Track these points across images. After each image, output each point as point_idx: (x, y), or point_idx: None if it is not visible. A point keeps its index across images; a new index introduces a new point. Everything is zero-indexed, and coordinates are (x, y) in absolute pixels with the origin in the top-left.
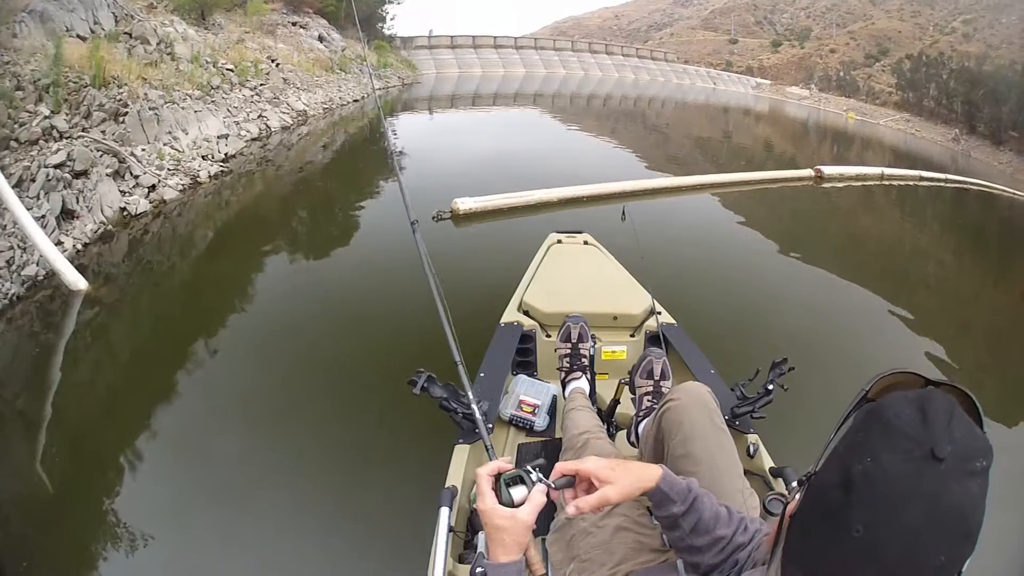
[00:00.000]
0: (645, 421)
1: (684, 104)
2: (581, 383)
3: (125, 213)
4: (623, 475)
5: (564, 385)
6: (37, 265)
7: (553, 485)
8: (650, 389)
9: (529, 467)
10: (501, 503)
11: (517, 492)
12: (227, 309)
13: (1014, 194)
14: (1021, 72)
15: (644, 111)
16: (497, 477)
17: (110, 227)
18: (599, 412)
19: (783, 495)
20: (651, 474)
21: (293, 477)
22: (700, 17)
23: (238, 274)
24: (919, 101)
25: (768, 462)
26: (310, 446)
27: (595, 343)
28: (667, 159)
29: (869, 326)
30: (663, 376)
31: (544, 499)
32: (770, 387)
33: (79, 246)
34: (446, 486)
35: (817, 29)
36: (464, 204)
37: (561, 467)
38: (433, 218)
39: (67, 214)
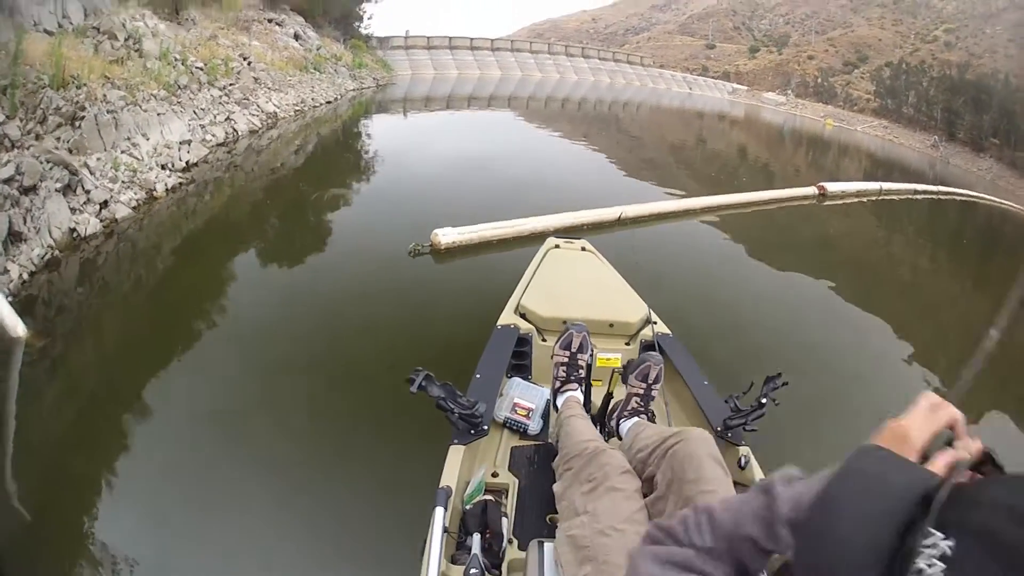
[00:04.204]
0: (631, 420)
1: (659, 108)
2: (576, 394)
3: (75, 235)
4: None
5: (556, 394)
6: None
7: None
8: (641, 391)
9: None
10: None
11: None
12: (195, 326)
13: (1001, 204)
14: (1004, 81)
15: (619, 115)
16: (937, 435)
17: (57, 252)
18: (591, 417)
19: None
20: None
21: (283, 481)
22: (678, 22)
23: (204, 290)
24: (898, 108)
25: (758, 474)
26: (299, 450)
27: (592, 351)
28: (642, 162)
29: (866, 343)
30: (656, 380)
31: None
32: (763, 401)
33: (25, 275)
34: (440, 486)
35: (796, 36)
36: (446, 237)
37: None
38: (409, 253)
39: (14, 237)
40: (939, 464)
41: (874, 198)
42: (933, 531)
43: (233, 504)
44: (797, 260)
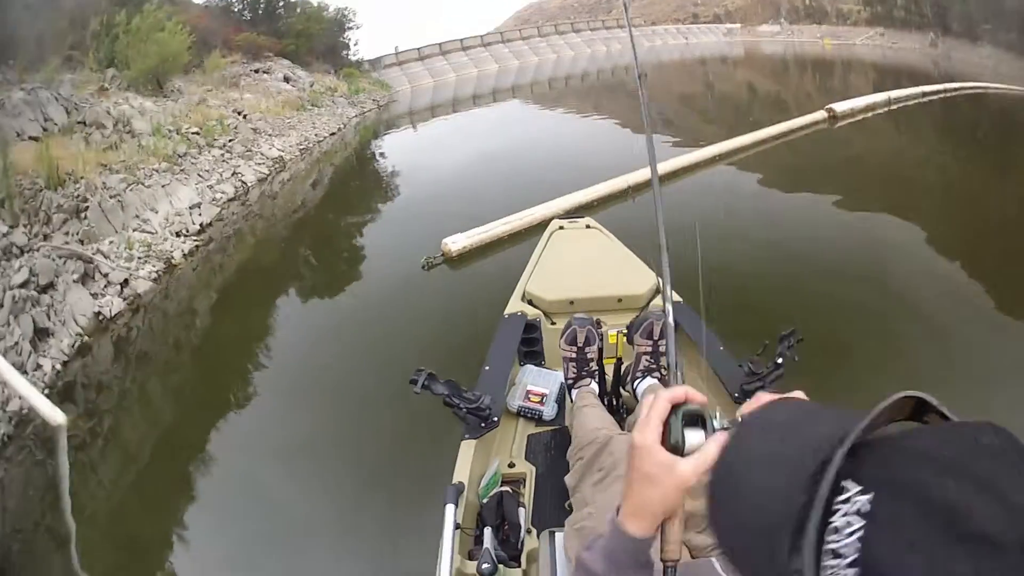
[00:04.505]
0: (646, 380)
1: (660, 64)
2: (591, 386)
3: (101, 318)
4: None
5: (570, 389)
6: (20, 399)
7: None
8: (649, 349)
9: (716, 412)
10: (667, 445)
11: (693, 436)
12: (230, 374)
13: (1010, 90)
14: None
15: (622, 79)
16: (675, 409)
17: (87, 337)
18: (605, 385)
19: None
20: None
21: (302, 479)
22: None
23: (234, 339)
24: (889, 13)
25: None
26: (318, 452)
27: (601, 332)
28: (655, 119)
29: (895, 271)
30: (661, 336)
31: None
32: (779, 360)
33: (58, 366)
34: (452, 482)
35: None
36: (456, 243)
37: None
38: (423, 267)
39: (40, 333)
40: (710, 447)
41: (884, 109)
42: (848, 485)
43: (256, 501)
44: (816, 194)
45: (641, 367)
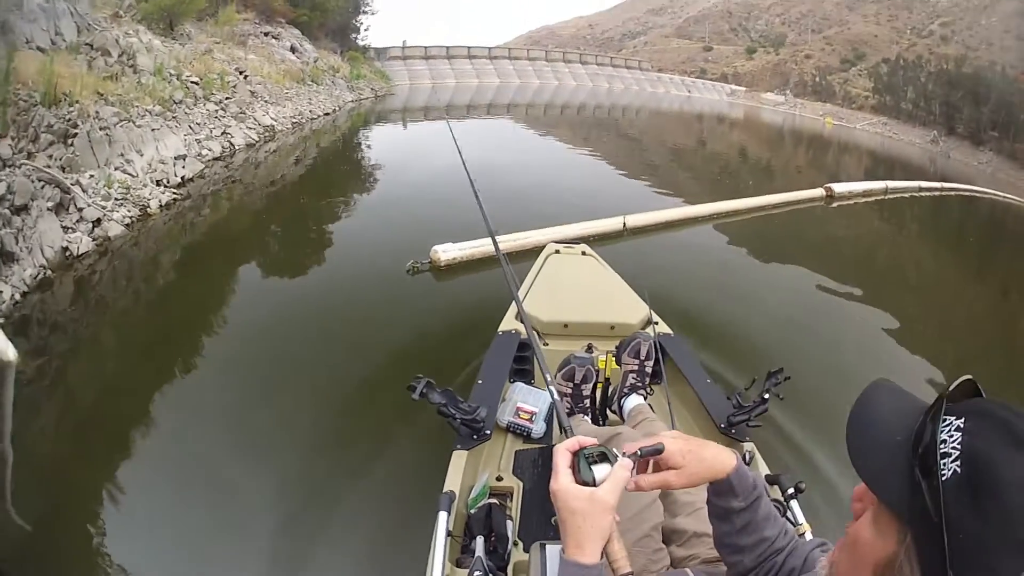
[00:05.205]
0: (632, 398)
1: (659, 112)
2: (585, 420)
3: (67, 254)
4: (693, 463)
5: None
6: None
7: (639, 453)
8: (635, 368)
9: (613, 448)
10: (580, 483)
11: (599, 470)
12: (190, 343)
13: (1004, 198)
14: (1001, 73)
15: (619, 120)
16: (576, 455)
17: (50, 272)
18: (595, 416)
19: (779, 501)
20: (723, 464)
21: (287, 490)
22: (674, 25)
23: (198, 307)
24: (896, 104)
25: (764, 469)
26: (303, 461)
27: (597, 368)
28: (645, 167)
29: (875, 342)
30: (648, 357)
31: (628, 475)
32: (766, 396)
33: (17, 296)
34: (444, 491)
35: (792, 35)
36: (446, 253)
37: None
38: (408, 271)
39: (6, 257)
40: (618, 471)
41: (880, 197)
42: (946, 417)
43: (237, 513)
44: (807, 264)
45: (628, 383)
